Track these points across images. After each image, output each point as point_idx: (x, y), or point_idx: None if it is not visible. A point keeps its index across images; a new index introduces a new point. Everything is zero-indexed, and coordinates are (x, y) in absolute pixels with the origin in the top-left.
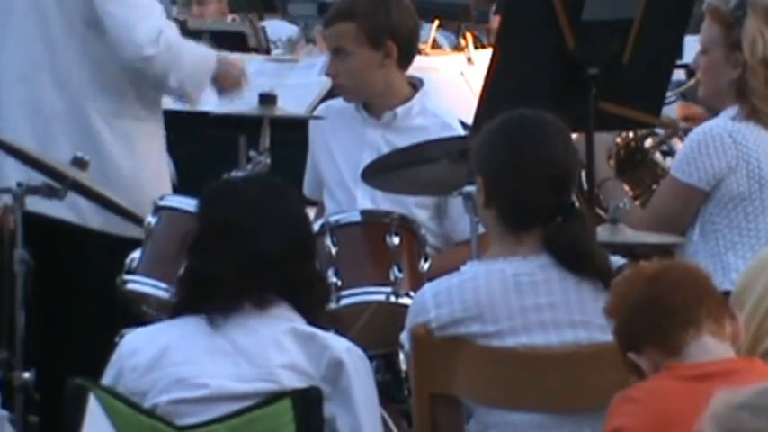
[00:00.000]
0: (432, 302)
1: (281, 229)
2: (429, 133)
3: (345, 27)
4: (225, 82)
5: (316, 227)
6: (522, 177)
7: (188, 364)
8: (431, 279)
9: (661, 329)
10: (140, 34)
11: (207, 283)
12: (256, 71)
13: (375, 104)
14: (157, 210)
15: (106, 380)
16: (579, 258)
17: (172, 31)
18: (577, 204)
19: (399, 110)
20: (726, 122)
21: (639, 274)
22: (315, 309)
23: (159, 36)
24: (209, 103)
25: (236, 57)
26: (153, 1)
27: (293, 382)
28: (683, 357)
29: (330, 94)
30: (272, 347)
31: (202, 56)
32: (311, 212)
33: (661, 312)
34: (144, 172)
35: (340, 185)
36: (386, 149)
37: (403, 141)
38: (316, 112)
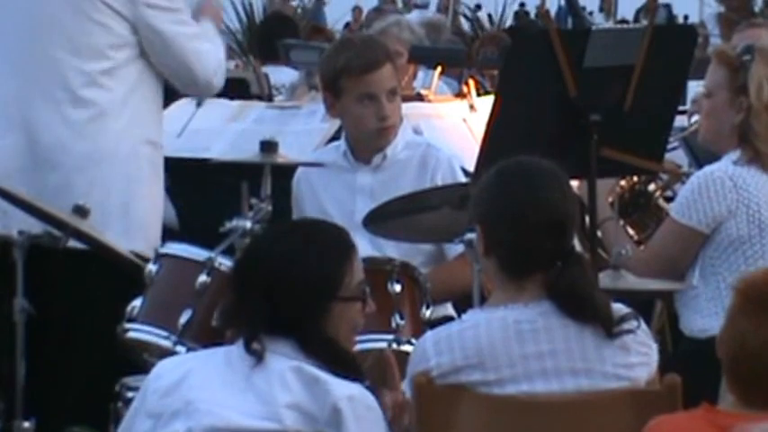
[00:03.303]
0: (432, 350)
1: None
2: (413, 163)
3: (390, 68)
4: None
5: None
6: (519, 224)
7: (200, 390)
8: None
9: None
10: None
11: (233, 316)
12: (258, 118)
13: (367, 147)
14: (158, 257)
15: (135, 403)
16: (580, 303)
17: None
18: (578, 249)
19: (388, 150)
20: (727, 166)
21: None
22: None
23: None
24: (212, 150)
25: None
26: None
27: (297, 423)
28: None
29: (332, 141)
30: (278, 385)
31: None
32: None
33: None
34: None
35: None
36: (378, 191)
37: (391, 178)
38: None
